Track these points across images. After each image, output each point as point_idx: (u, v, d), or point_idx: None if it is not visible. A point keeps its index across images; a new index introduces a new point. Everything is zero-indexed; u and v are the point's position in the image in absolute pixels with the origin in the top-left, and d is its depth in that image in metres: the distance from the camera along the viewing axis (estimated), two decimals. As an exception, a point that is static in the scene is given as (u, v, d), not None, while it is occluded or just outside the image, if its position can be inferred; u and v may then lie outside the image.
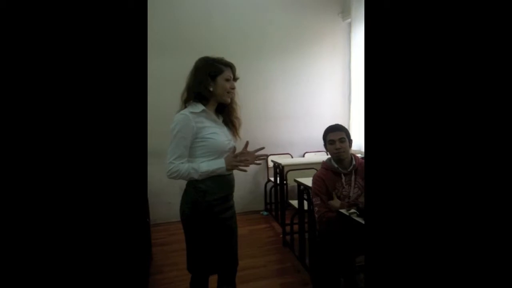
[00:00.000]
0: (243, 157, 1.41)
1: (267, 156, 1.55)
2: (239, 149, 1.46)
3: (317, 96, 3.83)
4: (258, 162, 1.47)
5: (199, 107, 1.37)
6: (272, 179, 3.35)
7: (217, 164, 1.37)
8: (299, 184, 2.36)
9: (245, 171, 1.42)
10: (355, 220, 1.57)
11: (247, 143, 1.46)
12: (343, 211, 1.67)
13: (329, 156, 1.98)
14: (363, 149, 3.33)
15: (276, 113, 3.67)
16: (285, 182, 2.87)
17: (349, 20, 3.67)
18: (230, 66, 1.43)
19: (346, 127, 3.49)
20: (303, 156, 3.74)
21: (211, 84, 1.37)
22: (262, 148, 1.46)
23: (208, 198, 1.36)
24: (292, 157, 3.62)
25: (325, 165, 1.99)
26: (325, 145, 1.94)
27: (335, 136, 1.86)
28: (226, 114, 1.48)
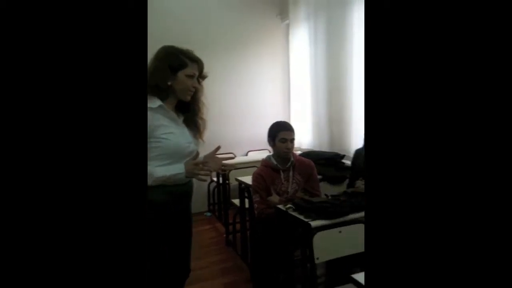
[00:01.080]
0: (206, 166, 1.22)
1: (234, 166, 1.42)
2: (203, 153, 1.33)
3: (259, 96, 3.88)
4: (223, 170, 1.32)
5: (156, 102, 1.18)
6: (215, 179, 3.32)
7: (176, 169, 1.18)
8: (240, 182, 2.36)
9: (204, 180, 1.24)
10: (291, 214, 1.61)
11: (218, 148, 1.30)
12: (280, 206, 1.71)
13: (271, 153, 2.02)
14: (302, 146, 3.45)
15: (217, 112, 3.63)
16: (227, 181, 2.86)
17: (287, 21, 3.77)
18: (197, 62, 1.27)
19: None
20: (246, 155, 3.76)
21: (171, 77, 1.20)
22: (219, 148, 1.32)
23: (164, 214, 1.19)
24: (235, 156, 3.62)
25: (264, 162, 2.02)
26: (272, 140, 1.94)
27: (288, 135, 1.89)
28: (190, 113, 1.31)
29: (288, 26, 3.76)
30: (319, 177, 2.34)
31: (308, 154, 2.58)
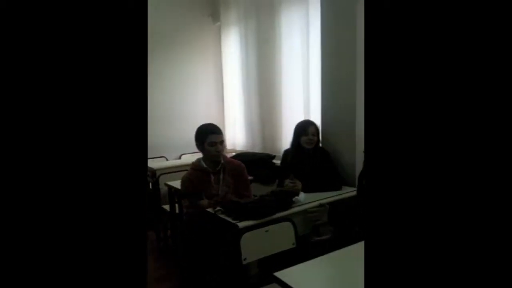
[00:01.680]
0: None
1: (155, 171, 1.33)
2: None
3: (192, 97, 3.80)
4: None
5: None
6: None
7: None
8: (170, 187, 2.28)
9: None
10: (220, 217, 1.60)
11: None
12: (209, 210, 1.69)
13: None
14: (237, 148, 3.46)
15: (148, 115, 3.47)
16: (157, 186, 2.74)
17: (219, 23, 3.76)
18: None
19: (221, 126, 3.52)
20: (180, 158, 3.65)
21: None
22: None
23: None
24: (167, 160, 3.49)
25: (193, 165, 1.98)
26: (201, 145, 1.89)
27: (217, 138, 1.86)
28: None
29: (219, 27, 3.75)
30: (250, 178, 2.36)
31: (239, 155, 2.60)
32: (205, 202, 1.82)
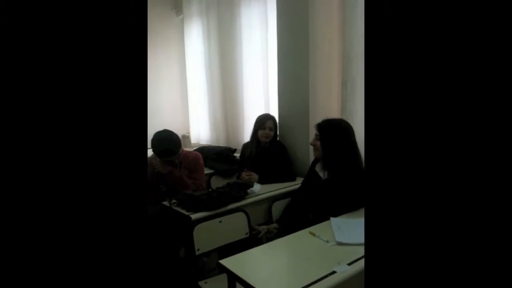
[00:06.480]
0: None
1: None
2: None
3: (155, 91, 3.75)
4: None
5: None
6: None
7: None
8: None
9: None
10: (174, 210, 1.63)
11: None
12: (165, 203, 1.71)
13: None
14: (201, 142, 3.47)
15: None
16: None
17: (182, 16, 3.72)
18: None
19: (185, 121, 3.50)
20: (144, 153, 3.61)
21: None
22: None
23: None
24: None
25: (149, 161, 1.99)
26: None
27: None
28: None
29: (183, 20, 3.71)
30: (211, 171, 2.40)
31: (201, 149, 2.63)
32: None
